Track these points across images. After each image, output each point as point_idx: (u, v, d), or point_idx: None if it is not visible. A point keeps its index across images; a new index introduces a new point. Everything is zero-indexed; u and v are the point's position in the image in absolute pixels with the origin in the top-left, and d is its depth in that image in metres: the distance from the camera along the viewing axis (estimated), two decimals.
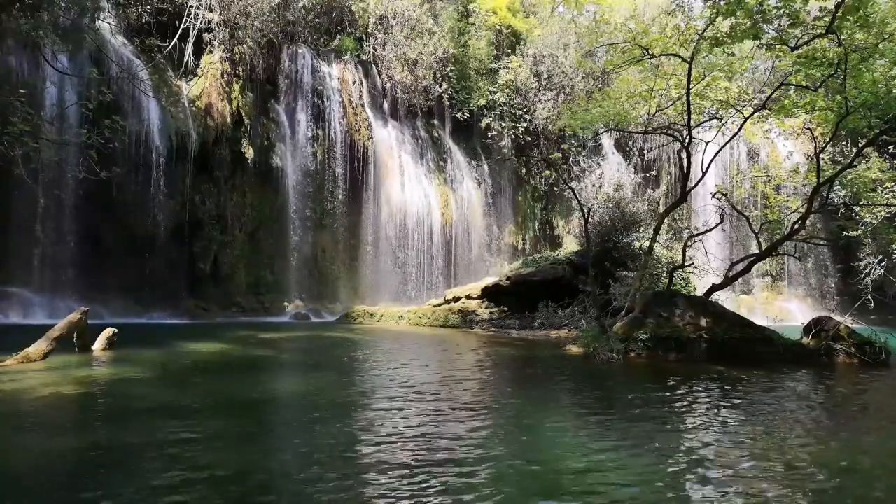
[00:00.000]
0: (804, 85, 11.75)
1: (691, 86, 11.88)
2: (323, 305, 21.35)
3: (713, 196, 15.52)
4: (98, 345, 9.33)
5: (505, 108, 26.46)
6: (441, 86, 25.20)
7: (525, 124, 26.50)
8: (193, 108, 19.53)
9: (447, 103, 26.00)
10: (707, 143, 13.54)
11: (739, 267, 13.37)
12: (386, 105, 24.92)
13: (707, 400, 6.82)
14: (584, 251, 16.63)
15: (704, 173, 13.42)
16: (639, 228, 18.04)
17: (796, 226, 12.63)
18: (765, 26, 10.77)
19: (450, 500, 3.45)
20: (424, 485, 3.69)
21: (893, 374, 9.29)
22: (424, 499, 3.47)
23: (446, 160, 25.92)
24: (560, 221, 27.78)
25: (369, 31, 24.52)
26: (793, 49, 11.07)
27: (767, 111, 13.09)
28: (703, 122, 13.85)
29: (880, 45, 10.58)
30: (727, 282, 12.70)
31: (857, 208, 18.22)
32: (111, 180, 14.30)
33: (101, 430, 4.95)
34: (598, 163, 26.47)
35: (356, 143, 22.92)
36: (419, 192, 24.18)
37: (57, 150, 14.58)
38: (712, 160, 13.35)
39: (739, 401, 6.70)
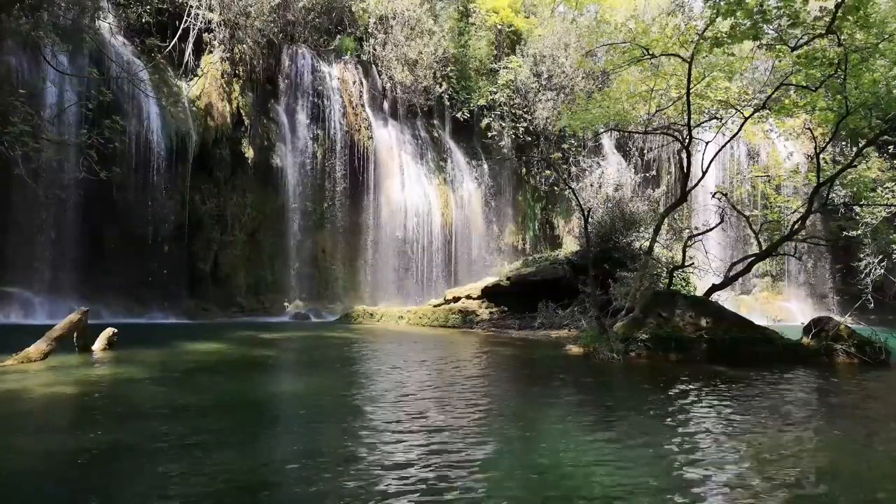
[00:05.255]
0: (804, 85, 11.74)
1: (691, 86, 11.88)
2: (323, 305, 21.35)
3: (713, 196, 15.52)
4: (98, 345, 9.32)
5: (505, 108, 26.45)
6: (441, 86, 25.19)
7: (525, 124, 26.48)
8: (193, 108, 19.53)
9: (447, 103, 25.98)
10: (707, 143, 13.54)
11: (739, 267, 13.37)
12: (386, 105, 24.91)
13: (708, 401, 6.81)
14: (584, 251, 16.61)
15: (704, 173, 13.42)
16: (639, 228, 18.04)
17: (796, 226, 12.63)
18: (765, 26, 10.77)
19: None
20: (425, 486, 3.69)
21: (893, 374, 9.29)
22: (424, 500, 3.46)
23: (446, 160, 25.91)
24: (560, 221, 27.77)
25: (369, 31, 24.51)
26: (793, 49, 11.07)
27: (767, 111, 13.08)
28: (703, 122, 13.84)
29: (880, 45, 10.59)
30: (727, 282, 12.69)
31: (857, 208, 18.22)
32: (111, 180, 14.27)
33: (101, 429, 4.94)
34: (598, 163, 26.46)
35: (356, 143, 22.93)
36: (419, 192, 24.17)
37: (57, 150, 14.57)
38: (712, 160, 13.35)
39: (740, 401, 6.70)
